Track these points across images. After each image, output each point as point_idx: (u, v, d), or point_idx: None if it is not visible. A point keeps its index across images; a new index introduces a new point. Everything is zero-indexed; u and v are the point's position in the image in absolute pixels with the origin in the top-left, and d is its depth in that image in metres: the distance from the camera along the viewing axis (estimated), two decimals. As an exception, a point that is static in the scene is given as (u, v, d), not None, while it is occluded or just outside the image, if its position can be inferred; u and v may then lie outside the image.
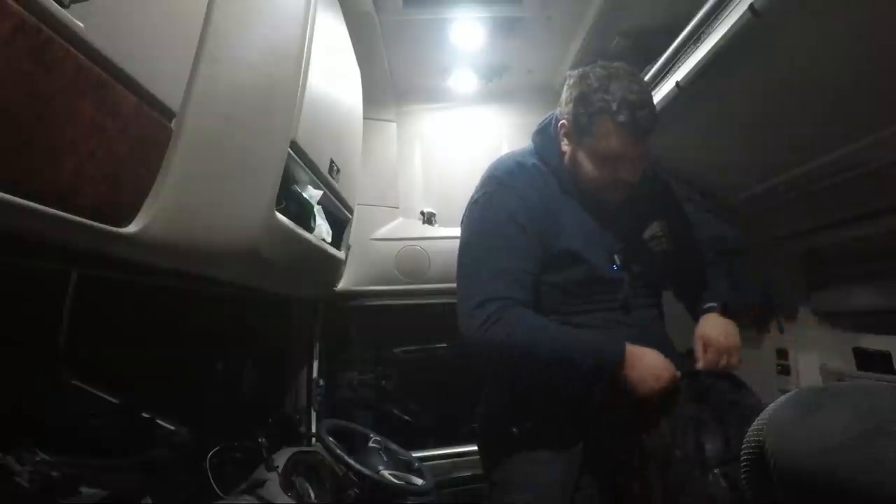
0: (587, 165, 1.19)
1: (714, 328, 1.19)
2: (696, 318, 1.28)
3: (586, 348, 1.08)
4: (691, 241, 1.39)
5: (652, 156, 1.29)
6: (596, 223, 1.23)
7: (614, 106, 1.11)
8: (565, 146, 1.23)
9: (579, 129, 1.18)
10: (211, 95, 0.94)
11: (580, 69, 1.20)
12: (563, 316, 1.18)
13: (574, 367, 1.06)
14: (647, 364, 1.07)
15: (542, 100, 2.59)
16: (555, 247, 1.18)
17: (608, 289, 1.20)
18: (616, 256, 1.22)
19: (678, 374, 1.09)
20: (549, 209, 1.20)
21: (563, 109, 1.22)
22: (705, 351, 1.16)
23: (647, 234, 1.29)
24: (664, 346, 1.17)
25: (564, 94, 1.21)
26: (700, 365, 1.15)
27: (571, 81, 1.20)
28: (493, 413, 1.30)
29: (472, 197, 1.27)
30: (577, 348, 1.07)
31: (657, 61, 1.53)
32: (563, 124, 1.22)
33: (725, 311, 1.24)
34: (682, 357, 1.24)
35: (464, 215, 1.27)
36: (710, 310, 1.24)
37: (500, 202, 1.19)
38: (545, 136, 1.29)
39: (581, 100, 1.16)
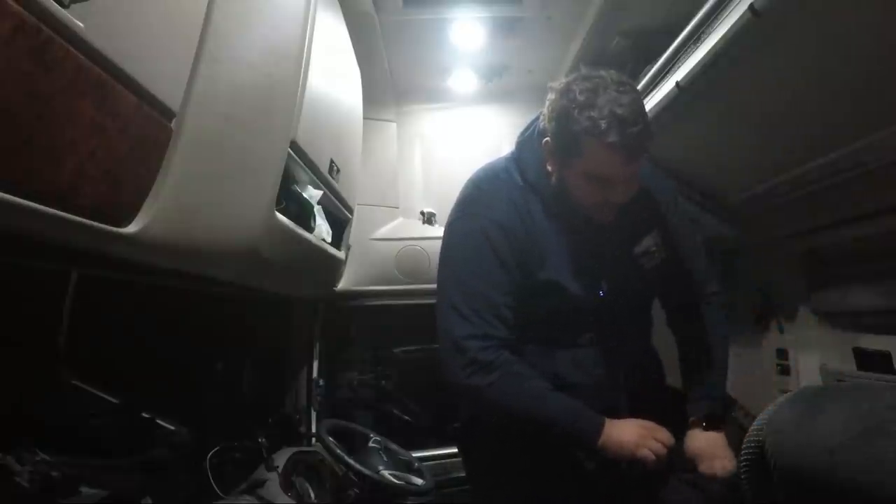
0: (574, 188, 1.09)
1: (698, 444, 1.13)
2: (681, 359, 1.25)
3: (565, 419, 1.06)
4: (688, 253, 1.26)
5: (652, 157, 1.24)
6: (582, 246, 1.14)
7: (602, 124, 0.99)
8: (550, 166, 1.12)
9: (564, 149, 1.06)
10: (211, 95, 0.94)
11: (562, 81, 1.08)
12: (545, 346, 1.14)
13: (552, 434, 1.08)
14: (627, 441, 1.05)
15: (542, 100, 2.57)
16: (537, 276, 1.12)
17: (593, 318, 1.15)
18: (603, 283, 1.15)
19: (666, 440, 1.06)
20: (531, 236, 1.12)
21: (546, 125, 1.10)
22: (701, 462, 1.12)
23: (638, 250, 1.19)
24: (653, 379, 1.19)
25: (546, 109, 1.10)
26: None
27: (553, 96, 1.07)
28: (476, 424, 1.27)
29: (452, 216, 1.19)
30: (555, 418, 1.06)
31: (657, 61, 1.53)
32: (546, 143, 1.10)
33: (710, 420, 1.15)
34: (674, 393, 1.24)
35: (444, 233, 1.19)
36: (695, 423, 1.16)
37: (479, 231, 1.11)
38: (528, 149, 1.18)
39: (564, 117, 1.03)
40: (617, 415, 1.11)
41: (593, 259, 1.15)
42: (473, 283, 1.09)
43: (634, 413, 1.12)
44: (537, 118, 1.17)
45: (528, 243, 1.12)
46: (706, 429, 1.14)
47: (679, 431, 1.14)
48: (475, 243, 1.11)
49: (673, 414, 1.17)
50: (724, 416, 1.17)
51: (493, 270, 1.09)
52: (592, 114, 1.00)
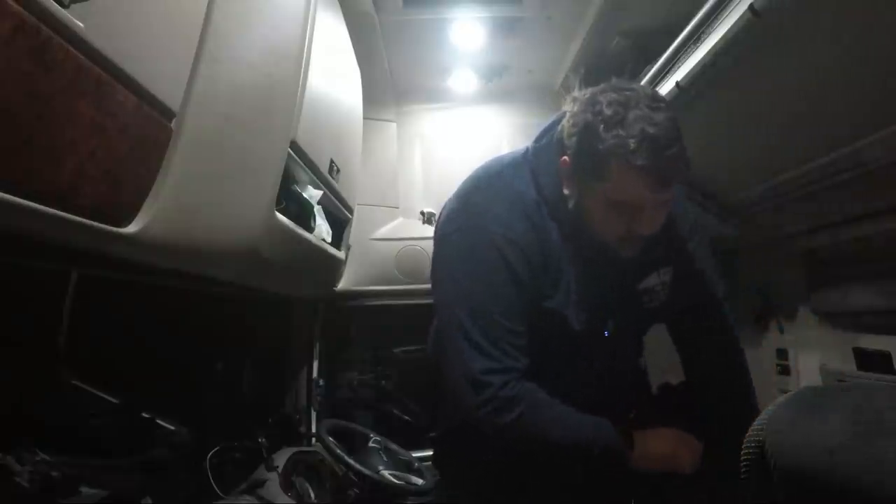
0: (595, 215, 0.95)
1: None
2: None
3: (597, 439, 0.98)
4: (700, 290, 1.13)
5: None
6: (594, 279, 1.02)
7: (632, 144, 0.86)
8: (567, 188, 0.98)
9: (586, 170, 0.93)
10: (211, 95, 0.94)
11: (588, 91, 0.95)
12: (536, 376, 1.01)
13: (584, 461, 1.00)
14: (663, 452, 1.02)
15: (542, 100, 2.59)
16: (544, 304, 1.01)
17: (592, 353, 1.08)
18: (609, 322, 1.07)
19: (698, 447, 1.03)
20: (547, 259, 1.00)
21: (566, 141, 0.96)
22: None
23: (642, 286, 1.08)
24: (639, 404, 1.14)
25: (567, 122, 0.96)
26: None
27: (577, 108, 0.94)
28: (453, 436, 1.17)
29: (451, 224, 1.03)
30: (590, 440, 0.97)
31: (657, 61, 1.53)
32: (565, 161, 0.96)
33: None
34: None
35: (440, 242, 1.05)
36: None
37: (492, 247, 0.97)
38: (545, 160, 1.02)
39: (588, 134, 0.90)
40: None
41: (603, 295, 1.03)
42: (488, 309, 0.96)
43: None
44: (555, 123, 1.03)
45: (542, 267, 0.99)
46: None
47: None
48: (488, 261, 0.97)
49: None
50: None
51: (510, 293, 0.96)
52: (621, 132, 0.87)
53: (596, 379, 1.09)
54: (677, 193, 1.09)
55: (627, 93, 0.90)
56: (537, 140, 1.06)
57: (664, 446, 1.02)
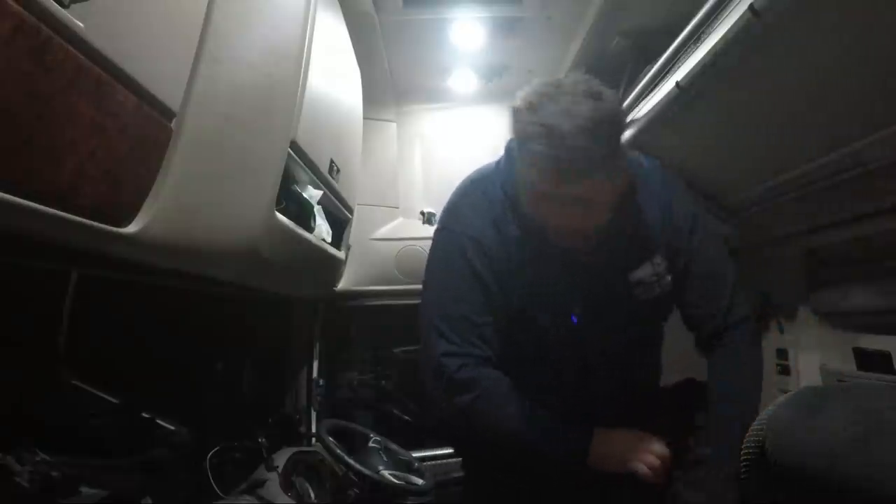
0: (524, 203, 0.96)
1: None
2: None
3: (552, 436, 0.98)
4: (707, 281, 1.10)
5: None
6: (560, 272, 1.02)
7: (536, 132, 0.85)
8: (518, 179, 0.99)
9: (512, 156, 0.98)
10: (211, 95, 0.94)
11: (537, 81, 0.94)
12: (516, 378, 1.02)
13: (540, 455, 1.00)
14: (617, 452, 0.98)
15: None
16: (509, 303, 1.03)
17: (566, 350, 1.06)
18: (577, 311, 1.04)
19: (661, 452, 0.97)
20: (509, 256, 1.03)
21: None
22: None
23: (633, 279, 1.06)
24: (640, 411, 1.06)
25: None
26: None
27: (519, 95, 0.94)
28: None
29: (438, 224, 1.12)
30: (541, 435, 0.98)
31: (657, 61, 1.53)
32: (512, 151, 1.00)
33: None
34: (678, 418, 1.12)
35: (432, 241, 1.13)
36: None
37: (458, 249, 1.04)
38: (510, 158, 1.04)
39: (513, 120, 0.91)
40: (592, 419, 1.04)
41: (567, 286, 1.03)
42: (454, 306, 1.02)
43: (608, 420, 1.04)
44: None
45: (506, 267, 1.02)
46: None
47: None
48: (454, 262, 1.04)
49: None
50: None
51: (473, 291, 1.01)
52: (533, 119, 0.87)
53: (588, 376, 1.07)
54: (674, 185, 1.13)
55: (562, 84, 0.89)
56: (509, 141, 1.04)
57: (620, 448, 0.98)
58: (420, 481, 1.90)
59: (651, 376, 1.21)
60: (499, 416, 0.98)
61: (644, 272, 1.06)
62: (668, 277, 1.07)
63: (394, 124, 2.53)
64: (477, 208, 1.06)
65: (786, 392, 1.04)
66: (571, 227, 0.96)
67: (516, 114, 0.90)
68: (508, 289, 1.02)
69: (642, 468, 0.96)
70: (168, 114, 0.85)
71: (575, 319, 1.04)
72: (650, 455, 0.97)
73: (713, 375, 1.10)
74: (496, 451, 1.05)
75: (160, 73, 0.81)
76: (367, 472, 1.76)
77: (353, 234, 2.15)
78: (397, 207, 2.47)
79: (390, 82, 2.41)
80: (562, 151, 0.85)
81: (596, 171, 0.87)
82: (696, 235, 1.11)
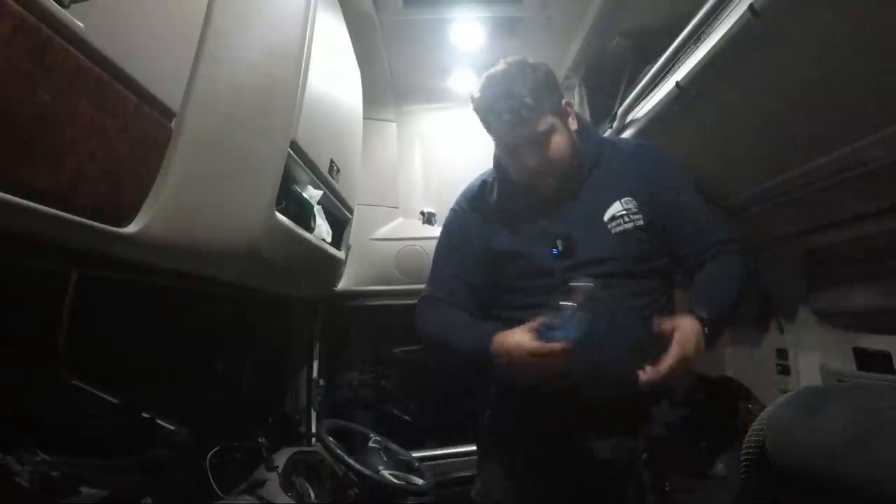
0: (500, 160, 1.27)
1: (691, 332, 1.05)
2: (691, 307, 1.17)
3: (467, 341, 1.17)
4: (679, 212, 1.25)
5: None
6: (540, 218, 1.23)
7: (478, 95, 1.19)
8: None
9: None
10: (211, 95, 0.94)
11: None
12: (513, 311, 1.19)
13: (465, 360, 1.22)
14: (513, 346, 1.06)
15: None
16: (496, 249, 1.24)
17: (551, 279, 1.18)
18: (558, 243, 1.19)
19: (553, 346, 1.01)
20: (488, 216, 1.28)
21: None
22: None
23: (607, 216, 1.21)
24: (624, 329, 1.08)
25: None
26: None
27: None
28: (485, 420, 1.36)
29: None
30: (461, 342, 1.18)
31: (657, 61, 1.53)
32: None
33: (709, 328, 1.08)
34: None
35: None
36: (698, 318, 1.09)
37: (447, 224, 1.35)
38: None
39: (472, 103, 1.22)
40: (571, 404, 1.11)
41: (552, 226, 1.21)
42: (436, 268, 1.32)
43: (600, 385, 1.09)
44: None
45: (485, 224, 1.27)
46: (702, 324, 1.06)
47: (658, 413, 1.14)
48: (442, 236, 1.35)
49: (655, 398, 1.14)
50: (715, 339, 1.10)
51: (449, 257, 1.30)
52: (477, 91, 1.20)
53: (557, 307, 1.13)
54: (647, 145, 1.37)
55: (506, 62, 1.20)
56: None
57: (512, 354, 1.08)
58: (420, 481, 1.90)
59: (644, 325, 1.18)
60: (429, 328, 1.27)
61: (615, 209, 1.21)
62: (640, 216, 1.21)
63: (394, 124, 2.53)
64: (470, 188, 1.35)
65: (786, 392, 1.04)
66: (530, 167, 1.18)
67: (472, 98, 1.21)
68: (495, 238, 1.25)
69: (542, 379, 1.07)
70: (168, 114, 0.85)
71: (556, 251, 1.20)
72: (518, 348, 1.06)
73: (699, 274, 1.21)
74: (433, 349, 1.39)
75: (160, 73, 0.81)
76: (367, 472, 1.76)
77: (353, 234, 2.15)
78: (397, 207, 2.47)
79: (390, 82, 2.41)
80: (499, 101, 1.15)
81: (528, 117, 1.14)
82: (674, 186, 1.28)
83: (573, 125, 1.24)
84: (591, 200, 1.23)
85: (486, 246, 1.26)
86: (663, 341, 1.08)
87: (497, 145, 1.23)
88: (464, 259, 1.27)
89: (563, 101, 1.23)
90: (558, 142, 1.18)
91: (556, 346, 1.00)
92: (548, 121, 1.17)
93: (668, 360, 1.01)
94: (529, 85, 1.15)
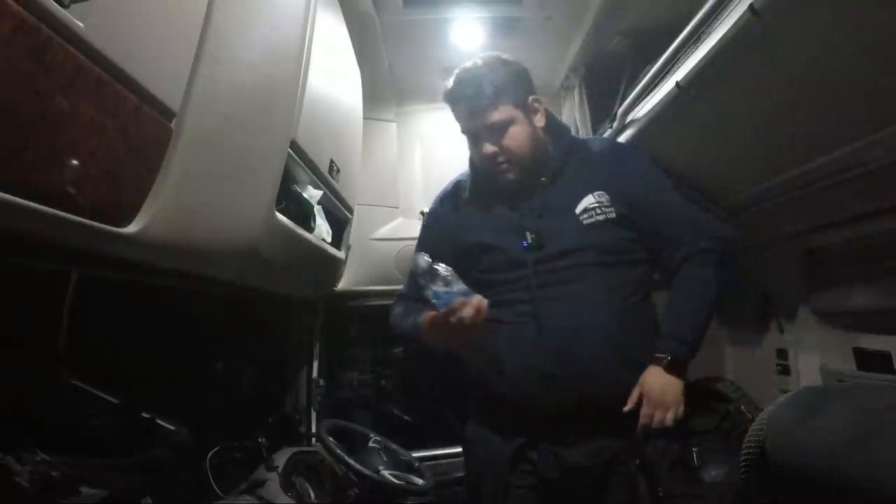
0: (469, 154, 1.32)
1: (654, 381, 1.13)
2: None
3: (408, 326, 1.29)
4: (659, 208, 1.27)
5: (650, 155, 1.22)
6: (511, 211, 1.27)
7: (449, 85, 1.25)
8: None
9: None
10: (211, 95, 0.94)
11: None
12: (490, 309, 1.19)
13: (404, 333, 1.32)
14: (428, 319, 1.18)
15: (543, 100, 2.59)
16: (469, 243, 1.29)
17: (524, 270, 1.21)
18: (527, 235, 1.22)
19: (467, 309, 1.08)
20: (459, 213, 1.34)
21: None
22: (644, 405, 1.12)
23: (579, 208, 1.23)
24: (613, 343, 1.13)
25: None
26: (628, 408, 1.13)
27: None
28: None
29: None
30: (406, 328, 1.30)
31: (657, 61, 1.53)
32: None
33: (673, 364, 1.14)
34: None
35: None
36: (658, 360, 1.15)
37: (422, 225, 1.46)
38: None
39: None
40: (557, 380, 1.13)
41: (523, 219, 1.24)
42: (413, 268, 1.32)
43: (576, 380, 1.12)
44: None
45: (455, 221, 1.33)
46: (667, 370, 1.13)
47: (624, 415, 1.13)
48: (419, 235, 1.44)
49: (622, 385, 1.15)
50: (686, 364, 1.15)
51: (422, 252, 1.31)
52: (449, 80, 1.26)
53: (551, 313, 1.17)
54: (621, 144, 1.45)
55: (482, 56, 1.27)
56: None
57: (427, 327, 1.20)
58: (420, 481, 1.90)
59: (621, 313, 1.21)
60: (392, 321, 1.39)
61: (587, 202, 1.23)
62: (612, 209, 1.22)
63: (394, 124, 2.53)
64: (444, 189, 1.42)
65: (786, 392, 1.04)
66: (488, 154, 1.23)
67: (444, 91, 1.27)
68: (466, 232, 1.30)
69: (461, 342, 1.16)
70: (168, 114, 0.85)
71: (525, 243, 1.22)
72: (427, 319, 1.18)
73: (675, 283, 1.25)
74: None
75: (160, 73, 0.81)
76: (367, 472, 1.76)
77: (353, 234, 2.15)
78: (397, 207, 2.47)
79: (390, 82, 2.41)
80: (464, 91, 1.22)
81: (486, 104, 1.21)
82: (646, 181, 1.30)
83: (540, 122, 1.28)
84: (562, 194, 1.25)
85: (460, 241, 1.30)
86: (643, 337, 1.19)
87: (462, 131, 1.28)
88: (436, 257, 1.26)
89: (531, 98, 1.28)
90: (517, 133, 1.23)
91: (452, 307, 1.08)
92: (507, 111, 1.22)
93: (645, 420, 1.11)
94: (494, 76, 1.22)
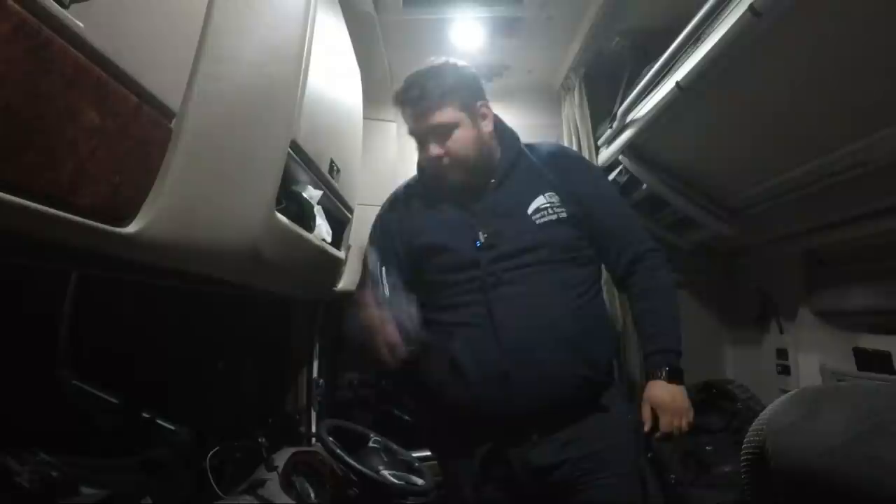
0: (417, 155, 1.33)
1: (662, 393, 1.16)
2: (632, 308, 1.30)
3: (352, 321, 1.27)
4: (606, 212, 1.31)
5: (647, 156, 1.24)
6: (462, 212, 1.27)
7: (401, 87, 1.28)
8: None
9: None
10: (211, 95, 0.94)
11: None
12: (442, 304, 1.24)
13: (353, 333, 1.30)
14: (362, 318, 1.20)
15: (543, 100, 2.59)
16: (419, 245, 1.29)
17: (474, 270, 1.22)
18: (480, 235, 1.23)
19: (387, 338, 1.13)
20: (411, 218, 1.33)
21: None
22: (656, 416, 1.16)
23: (531, 209, 1.25)
24: (568, 338, 1.15)
25: None
26: (650, 429, 1.17)
27: None
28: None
29: None
30: (351, 323, 1.27)
31: (657, 61, 1.53)
32: None
33: (671, 374, 1.18)
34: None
35: None
36: (655, 374, 1.19)
37: (371, 231, 1.44)
38: None
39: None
40: (511, 408, 1.14)
41: (475, 220, 1.25)
42: (362, 274, 1.36)
43: (534, 379, 1.14)
44: None
45: (405, 224, 1.33)
46: (668, 381, 1.17)
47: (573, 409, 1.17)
48: (368, 240, 1.43)
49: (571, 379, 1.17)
50: (681, 369, 1.19)
51: (373, 260, 1.31)
52: (398, 88, 1.29)
53: (504, 312, 1.18)
54: (566, 149, 1.48)
55: (434, 59, 1.30)
56: None
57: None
58: (420, 481, 1.90)
59: (574, 316, 1.22)
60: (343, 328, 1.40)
61: (539, 202, 1.25)
62: (563, 209, 1.24)
63: (394, 124, 2.53)
64: (393, 193, 1.44)
65: (786, 392, 1.04)
66: (432, 156, 1.25)
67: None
68: (417, 235, 1.30)
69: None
70: (168, 114, 0.85)
71: (478, 243, 1.22)
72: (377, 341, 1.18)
73: (634, 295, 1.29)
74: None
75: (160, 73, 0.81)
76: (367, 472, 1.76)
77: (353, 234, 2.15)
78: (397, 207, 2.47)
79: (390, 82, 2.41)
80: (412, 94, 1.24)
81: (429, 106, 1.23)
82: (594, 183, 1.34)
83: (487, 127, 1.30)
84: (513, 195, 1.27)
85: (411, 244, 1.30)
86: (596, 332, 1.22)
87: (410, 133, 1.30)
88: (387, 263, 1.29)
89: (479, 103, 1.29)
90: (462, 136, 1.24)
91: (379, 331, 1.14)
92: (452, 113, 1.24)
93: (667, 429, 1.14)
94: (441, 80, 1.25)
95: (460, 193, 1.28)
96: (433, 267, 1.27)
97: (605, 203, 1.31)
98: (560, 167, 1.32)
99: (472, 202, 1.27)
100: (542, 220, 1.23)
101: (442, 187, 1.29)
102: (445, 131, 1.24)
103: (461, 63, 1.32)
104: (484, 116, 1.30)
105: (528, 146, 1.38)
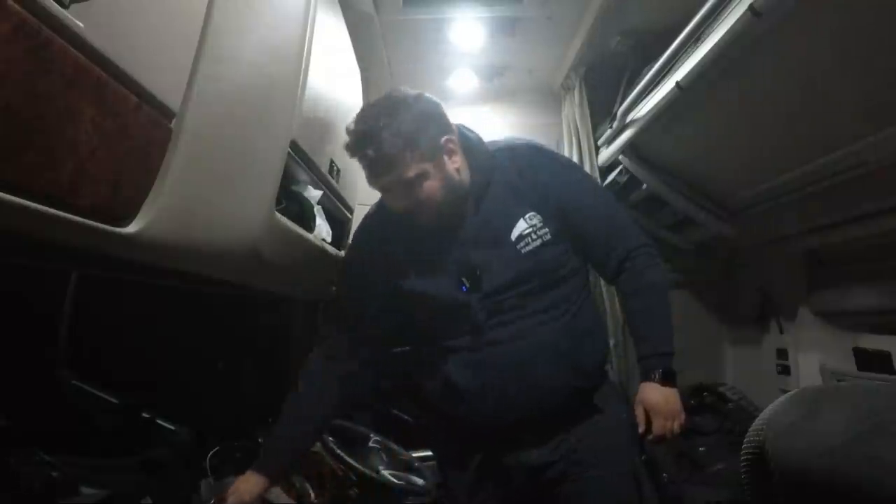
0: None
1: (655, 395, 1.15)
2: (624, 308, 1.30)
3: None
4: (591, 219, 1.23)
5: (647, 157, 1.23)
6: (444, 251, 1.17)
7: (349, 139, 1.11)
8: None
9: None
10: (211, 95, 0.94)
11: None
12: (435, 339, 1.20)
13: None
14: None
15: (542, 100, 2.59)
16: (405, 292, 1.20)
17: (463, 314, 1.15)
18: (463, 280, 1.15)
19: None
20: (388, 255, 1.22)
21: None
22: (650, 419, 1.15)
23: (514, 236, 1.16)
24: (538, 340, 1.13)
25: None
26: (643, 431, 1.16)
27: None
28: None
29: None
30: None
31: (657, 61, 1.53)
32: None
33: (665, 376, 1.16)
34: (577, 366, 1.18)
35: None
36: (649, 377, 1.17)
37: (348, 262, 1.36)
38: None
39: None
40: (506, 420, 1.14)
41: (455, 258, 1.16)
42: (332, 318, 1.32)
43: (532, 399, 1.13)
44: None
45: (389, 264, 1.22)
46: (662, 383, 1.15)
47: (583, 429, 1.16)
48: (345, 274, 1.35)
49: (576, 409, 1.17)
50: (674, 371, 1.18)
51: (350, 303, 1.29)
52: (354, 118, 1.13)
53: (499, 352, 1.14)
54: (539, 154, 1.26)
55: (378, 100, 1.15)
56: None
57: None
58: (420, 481, 1.90)
59: (566, 331, 1.19)
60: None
61: (521, 228, 1.16)
62: (547, 230, 1.17)
63: (394, 124, 2.53)
64: (367, 223, 1.30)
65: (786, 392, 1.04)
66: (402, 209, 1.14)
67: (346, 131, 1.12)
68: (399, 278, 1.20)
69: None
70: (168, 114, 0.85)
71: (465, 288, 1.15)
72: None
73: (624, 296, 1.26)
74: None
75: (160, 73, 0.81)
76: (367, 472, 1.76)
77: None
78: (397, 207, 2.46)
79: (390, 82, 2.41)
80: (361, 151, 1.08)
81: (390, 166, 1.08)
82: (570, 185, 1.23)
83: (456, 162, 1.15)
84: (492, 219, 1.17)
85: (391, 287, 1.21)
86: (590, 338, 1.21)
87: (374, 187, 1.16)
88: (365, 306, 1.25)
89: (444, 139, 1.14)
90: (430, 187, 1.11)
91: None
92: (414, 168, 1.09)
93: (660, 431, 1.13)
94: (398, 128, 1.07)
95: (435, 227, 1.17)
96: (421, 312, 1.23)
97: (587, 208, 1.23)
98: (534, 177, 1.21)
99: (450, 233, 1.17)
100: (528, 248, 1.16)
101: (414, 226, 1.18)
102: (413, 184, 1.10)
103: (415, 96, 1.16)
104: (451, 153, 1.15)
105: (497, 150, 1.25)
